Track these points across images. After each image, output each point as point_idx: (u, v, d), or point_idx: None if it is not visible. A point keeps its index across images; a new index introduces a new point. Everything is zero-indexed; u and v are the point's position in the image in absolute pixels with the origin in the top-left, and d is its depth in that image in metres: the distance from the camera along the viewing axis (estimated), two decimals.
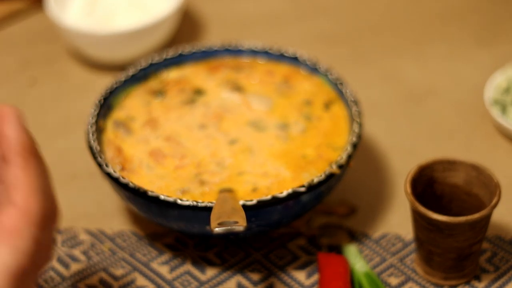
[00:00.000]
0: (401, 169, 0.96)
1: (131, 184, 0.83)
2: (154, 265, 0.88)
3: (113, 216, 0.93)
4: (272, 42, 1.06)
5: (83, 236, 0.91)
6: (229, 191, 0.85)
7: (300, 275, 0.87)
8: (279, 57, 0.98)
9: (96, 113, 0.91)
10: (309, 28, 1.18)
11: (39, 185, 0.66)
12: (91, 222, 0.92)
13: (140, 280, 0.87)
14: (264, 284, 0.86)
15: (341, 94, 0.93)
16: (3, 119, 0.66)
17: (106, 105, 0.93)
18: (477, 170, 0.84)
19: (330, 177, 0.84)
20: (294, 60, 0.98)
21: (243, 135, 0.91)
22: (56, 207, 0.70)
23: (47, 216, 0.68)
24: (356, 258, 0.86)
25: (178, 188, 0.86)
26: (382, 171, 0.97)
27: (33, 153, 0.67)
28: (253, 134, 0.91)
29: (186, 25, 1.19)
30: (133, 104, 0.95)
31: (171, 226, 0.86)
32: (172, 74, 0.98)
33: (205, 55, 0.99)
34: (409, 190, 0.82)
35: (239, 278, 0.87)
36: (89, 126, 0.89)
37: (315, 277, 0.87)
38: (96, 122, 0.90)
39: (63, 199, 0.95)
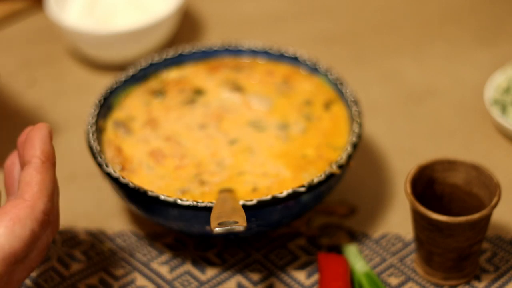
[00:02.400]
0: (401, 169, 0.96)
1: (131, 184, 0.83)
2: (154, 265, 0.88)
3: (113, 216, 0.93)
4: (272, 42, 1.06)
5: (83, 236, 0.91)
6: (229, 191, 0.85)
7: (300, 275, 0.87)
8: (279, 57, 0.98)
9: (96, 113, 0.91)
10: (309, 28, 1.18)
11: (49, 189, 0.72)
12: (91, 222, 0.92)
13: (140, 280, 0.87)
14: (264, 284, 0.86)
15: (341, 94, 0.93)
16: (36, 130, 0.75)
17: (106, 105, 0.93)
18: (477, 170, 0.84)
19: (330, 177, 0.84)
20: (294, 60, 0.98)
21: (243, 135, 0.91)
22: (58, 218, 0.76)
23: (49, 219, 0.72)
24: (356, 258, 0.86)
25: (178, 188, 0.86)
26: (382, 171, 0.97)
27: (51, 162, 0.74)
28: (253, 134, 0.91)
29: (186, 25, 1.19)
30: (133, 104, 0.95)
31: (171, 226, 0.86)
32: (172, 74, 0.98)
33: (205, 55, 0.99)
34: (409, 190, 0.82)
35: (239, 278, 0.87)
36: (89, 126, 0.89)
37: (315, 277, 0.86)
38: (96, 122, 0.90)
39: (63, 199, 0.95)
